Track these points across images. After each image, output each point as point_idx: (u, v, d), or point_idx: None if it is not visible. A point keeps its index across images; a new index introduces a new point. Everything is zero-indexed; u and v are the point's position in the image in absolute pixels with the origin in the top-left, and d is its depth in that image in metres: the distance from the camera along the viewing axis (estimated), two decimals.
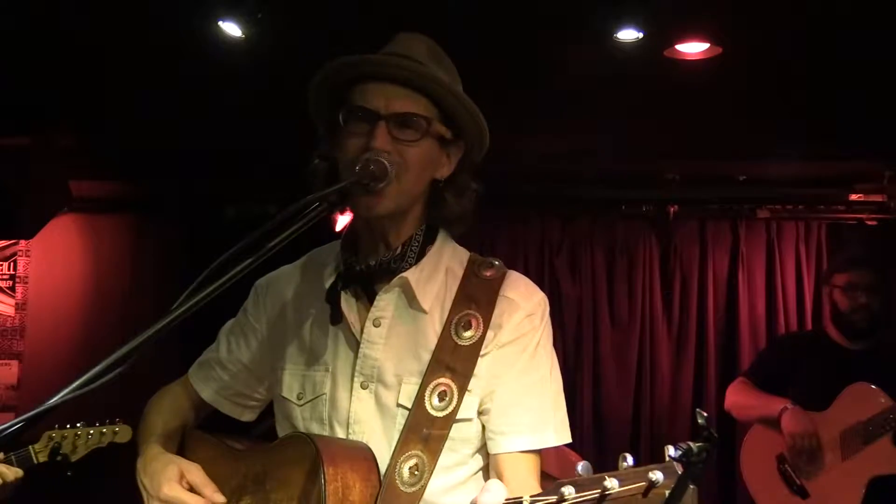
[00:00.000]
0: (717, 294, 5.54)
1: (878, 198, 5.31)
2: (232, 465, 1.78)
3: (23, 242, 5.51)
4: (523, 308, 1.71)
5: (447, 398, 1.64)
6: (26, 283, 5.53)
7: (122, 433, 3.25)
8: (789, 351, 4.25)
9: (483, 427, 1.71)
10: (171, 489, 1.70)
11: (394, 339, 1.71)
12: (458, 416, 1.65)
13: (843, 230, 5.51)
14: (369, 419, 1.69)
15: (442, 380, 1.65)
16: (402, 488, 1.61)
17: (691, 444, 1.15)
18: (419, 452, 1.63)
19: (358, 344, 1.72)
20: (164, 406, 1.94)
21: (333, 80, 1.73)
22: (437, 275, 1.74)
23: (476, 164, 1.79)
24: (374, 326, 1.71)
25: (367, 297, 1.73)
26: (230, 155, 5.04)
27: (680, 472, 1.14)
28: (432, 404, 1.65)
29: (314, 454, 1.57)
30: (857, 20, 3.35)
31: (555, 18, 3.41)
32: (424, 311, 1.71)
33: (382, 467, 1.63)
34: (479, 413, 1.69)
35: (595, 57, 3.69)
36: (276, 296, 1.85)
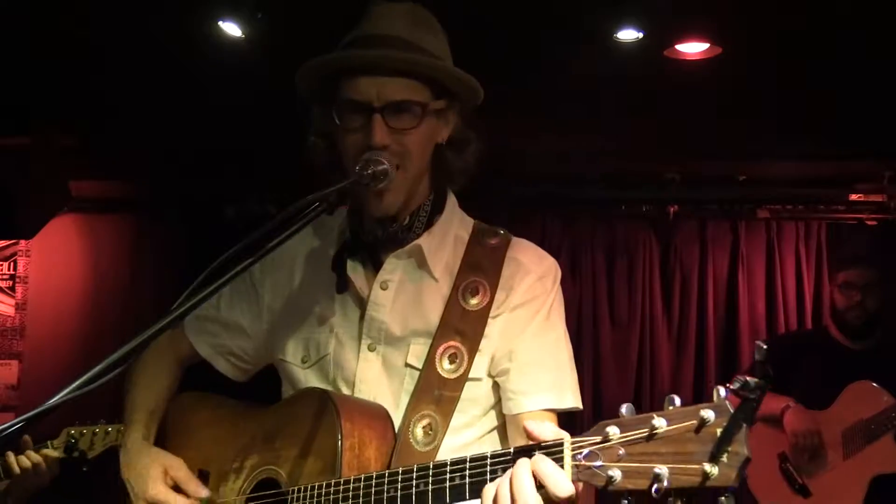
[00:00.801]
0: (717, 294, 5.54)
1: (878, 198, 5.32)
2: (239, 425, 1.78)
3: (23, 242, 5.51)
4: (534, 271, 1.73)
5: (458, 360, 1.65)
6: (26, 283, 5.53)
7: None
8: (790, 350, 4.24)
9: (494, 388, 1.71)
10: (157, 489, 1.71)
11: (400, 302, 1.72)
12: (469, 376, 1.65)
13: (843, 230, 5.51)
14: (376, 379, 1.70)
15: (452, 342, 1.66)
16: (416, 447, 1.62)
17: (748, 378, 1.12)
18: (432, 413, 1.63)
19: (365, 307, 1.72)
20: (149, 371, 1.90)
21: (321, 72, 1.71)
22: (447, 242, 1.75)
23: (473, 115, 1.77)
24: (382, 289, 1.72)
25: (373, 264, 1.74)
26: (230, 155, 5.04)
27: (732, 410, 1.12)
28: (443, 366, 1.65)
29: (330, 409, 1.56)
30: (857, 20, 3.35)
31: (555, 18, 3.41)
32: (434, 278, 1.72)
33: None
34: (494, 375, 1.70)
35: (595, 57, 3.69)
36: (282, 261, 1.83)
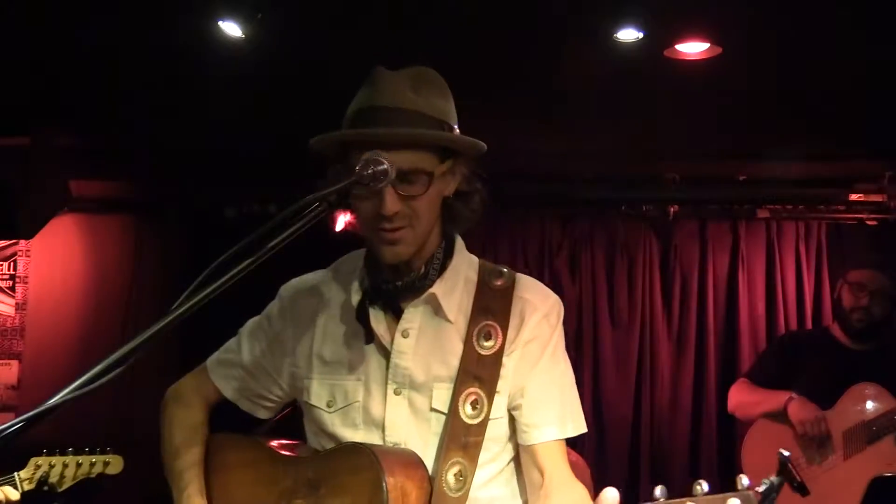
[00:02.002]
0: (717, 294, 5.54)
1: (878, 198, 5.31)
2: (280, 468, 1.85)
3: (23, 242, 5.50)
4: (541, 309, 1.86)
5: (479, 406, 1.78)
6: (26, 283, 5.53)
7: (113, 464, 3.13)
8: (791, 350, 4.23)
9: (510, 421, 1.83)
10: None
11: (422, 348, 1.82)
12: (490, 417, 1.78)
13: (844, 230, 5.51)
14: (405, 422, 1.80)
15: (472, 389, 1.78)
16: (449, 494, 1.74)
17: (773, 478, 1.34)
18: (460, 459, 1.75)
19: (388, 354, 1.82)
20: (186, 421, 1.99)
21: (333, 142, 1.79)
22: (458, 285, 1.86)
23: (477, 166, 1.86)
24: (403, 337, 1.82)
25: (393, 311, 1.84)
26: (230, 155, 5.04)
27: (756, 500, 1.27)
28: (466, 413, 1.77)
29: (373, 464, 1.67)
30: (857, 20, 3.35)
31: (555, 18, 3.40)
32: (450, 321, 1.83)
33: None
34: (510, 409, 1.82)
35: (595, 57, 3.69)
36: (303, 304, 1.93)
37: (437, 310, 1.83)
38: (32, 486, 3.00)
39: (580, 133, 4.86)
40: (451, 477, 1.74)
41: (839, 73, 3.91)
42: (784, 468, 1.32)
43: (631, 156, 5.24)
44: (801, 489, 4.30)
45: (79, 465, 3.07)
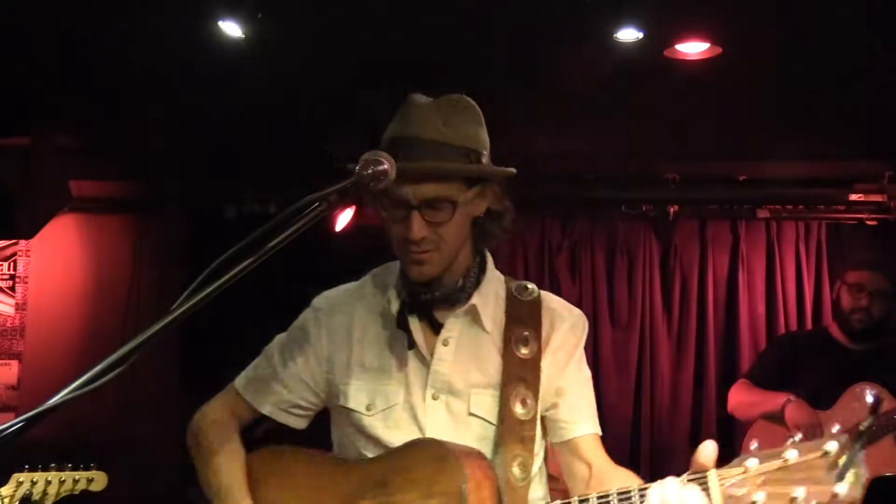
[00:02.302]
0: (717, 294, 5.54)
1: (878, 198, 5.31)
2: (338, 476, 1.93)
3: (23, 242, 5.50)
4: (568, 319, 2.01)
5: (527, 404, 1.92)
6: (26, 283, 5.53)
7: (97, 481, 3.10)
8: (790, 350, 4.23)
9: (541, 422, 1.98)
10: None
11: (460, 356, 1.95)
12: (537, 414, 1.93)
13: (844, 230, 5.51)
14: (443, 425, 1.91)
15: (519, 389, 1.92)
16: (517, 483, 1.87)
17: (870, 419, 1.51)
18: (521, 452, 1.89)
19: (426, 360, 1.94)
20: (225, 445, 2.02)
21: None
22: (491, 298, 1.99)
23: (507, 185, 1.99)
24: (444, 346, 1.94)
25: (429, 320, 1.96)
26: (230, 155, 5.04)
27: (849, 441, 1.39)
28: (518, 412, 1.91)
29: (449, 456, 1.79)
30: (857, 20, 3.35)
31: (555, 18, 3.40)
32: (486, 331, 1.96)
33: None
34: (544, 410, 1.98)
35: (595, 57, 3.69)
36: (340, 314, 2.03)
37: (475, 320, 1.96)
38: (15, 503, 2.96)
39: (580, 133, 4.86)
40: (516, 468, 1.87)
41: (839, 73, 3.91)
42: (875, 409, 1.50)
43: (631, 156, 5.24)
44: None
45: (62, 481, 3.03)
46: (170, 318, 1.34)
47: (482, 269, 2.00)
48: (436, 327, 1.95)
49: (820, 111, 4.37)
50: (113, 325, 5.41)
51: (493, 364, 1.94)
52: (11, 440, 1.22)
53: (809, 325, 5.33)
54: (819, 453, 1.40)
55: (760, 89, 4.16)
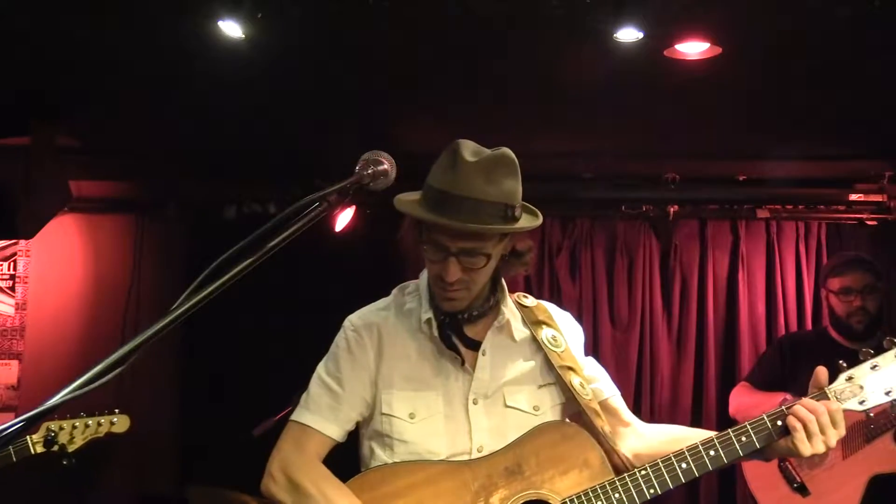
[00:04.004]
0: (717, 294, 5.54)
1: (878, 198, 5.31)
2: (460, 477, 2.07)
3: (23, 242, 5.50)
4: (571, 321, 2.40)
5: (585, 386, 2.23)
6: (26, 283, 5.53)
7: (119, 423, 3.31)
8: (790, 352, 4.24)
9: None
10: None
11: (496, 361, 2.21)
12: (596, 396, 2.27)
13: (844, 230, 5.51)
14: (485, 425, 2.13)
15: (573, 377, 2.21)
16: (610, 445, 2.14)
17: None
18: (603, 421, 2.18)
19: (467, 371, 2.18)
20: (308, 471, 2.10)
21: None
22: (510, 309, 2.27)
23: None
24: (483, 355, 2.20)
25: (460, 333, 2.20)
26: (230, 155, 5.04)
27: None
28: (582, 393, 2.19)
29: (578, 430, 2.10)
30: (857, 20, 3.35)
31: (555, 18, 3.40)
32: (514, 339, 2.25)
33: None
34: None
35: (595, 57, 3.69)
36: (376, 334, 2.21)
37: (504, 330, 2.24)
38: (43, 447, 3.15)
39: (580, 133, 4.86)
40: (607, 428, 2.17)
41: (839, 72, 3.91)
42: None
43: (631, 156, 5.23)
44: (802, 489, 4.31)
45: (87, 425, 3.22)
46: (170, 318, 1.34)
47: (502, 290, 2.26)
48: (467, 342, 2.20)
49: (820, 111, 4.36)
50: (113, 325, 5.41)
51: (521, 364, 2.22)
52: (11, 440, 1.22)
53: (809, 325, 5.34)
54: (894, 355, 2.04)
55: (760, 89, 4.16)
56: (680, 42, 3.63)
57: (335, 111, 4.44)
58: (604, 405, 2.27)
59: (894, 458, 3.75)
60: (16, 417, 1.23)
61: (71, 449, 3.19)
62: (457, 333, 2.20)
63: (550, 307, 2.37)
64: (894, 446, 3.76)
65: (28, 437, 3.13)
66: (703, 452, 1.98)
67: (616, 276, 5.60)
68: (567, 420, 2.22)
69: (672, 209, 5.48)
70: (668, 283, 5.57)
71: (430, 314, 2.19)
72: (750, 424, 1.99)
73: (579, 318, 5.41)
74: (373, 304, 2.30)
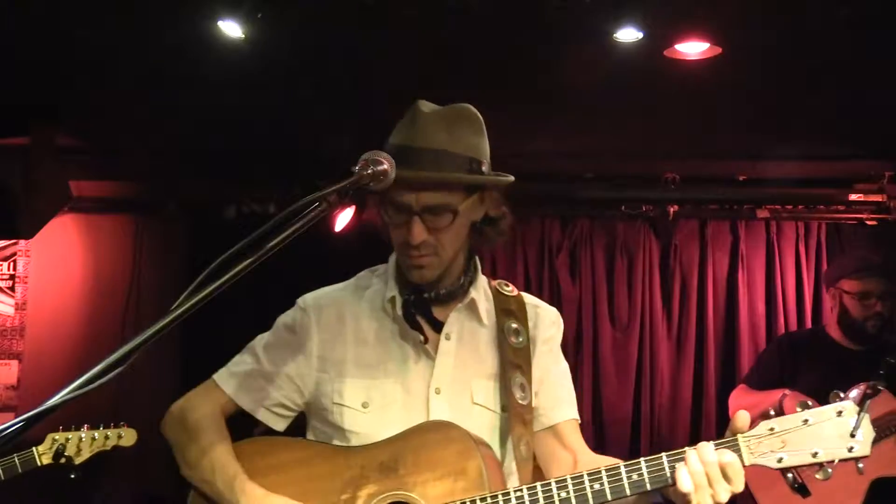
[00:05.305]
0: (717, 294, 5.54)
1: (878, 198, 5.31)
2: (337, 461, 1.93)
3: (23, 242, 5.50)
4: (548, 316, 2.13)
5: (525, 389, 2.00)
6: (26, 283, 5.53)
7: (126, 437, 3.26)
8: (788, 351, 4.23)
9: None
10: None
11: (462, 350, 2.02)
12: (532, 404, 2.01)
13: (843, 230, 5.51)
14: (446, 418, 1.93)
15: (517, 376, 2.00)
16: (524, 463, 1.94)
17: (876, 383, 1.86)
18: (524, 433, 1.96)
19: (429, 355, 1.99)
20: (200, 420, 2.01)
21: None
22: (482, 294, 2.08)
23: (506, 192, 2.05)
24: (446, 340, 2.01)
25: (427, 316, 2.00)
26: (230, 155, 5.04)
27: (857, 405, 1.73)
28: (518, 396, 1.98)
29: (463, 435, 1.86)
30: (857, 20, 3.35)
31: (555, 18, 3.40)
32: (484, 325, 2.05)
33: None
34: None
35: (595, 57, 3.69)
36: (329, 313, 2.04)
37: (472, 314, 2.05)
38: (50, 459, 3.12)
39: (580, 133, 4.86)
40: (522, 448, 1.94)
41: (839, 73, 3.91)
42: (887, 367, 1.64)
43: (631, 156, 5.23)
44: (802, 490, 4.30)
45: (94, 438, 3.19)
46: (170, 318, 1.34)
47: (475, 269, 2.08)
48: (435, 325, 2.01)
49: (820, 111, 4.36)
50: (113, 325, 5.42)
51: (491, 355, 2.03)
52: (11, 440, 1.22)
53: (809, 325, 5.33)
54: (833, 415, 1.70)
55: (760, 89, 4.16)
56: (680, 42, 3.63)
57: (335, 111, 4.44)
58: (553, 428, 2.05)
59: None
60: (15, 417, 1.22)
61: (77, 461, 3.15)
62: (422, 313, 2.00)
63: (531, 301, 2.14)
64: None
65: (34, 448, 3.10)
66: (587, 484, 1.71)
67: (616, 276, 5.60)
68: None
69: (672, 209, 5.47)
70: (668, 283, 5.57)
71: (394, 292, 2.00)
72: (646, 461, 1.71)
73: (579, 318, 5.53)
74: (331, 285, 2.12)
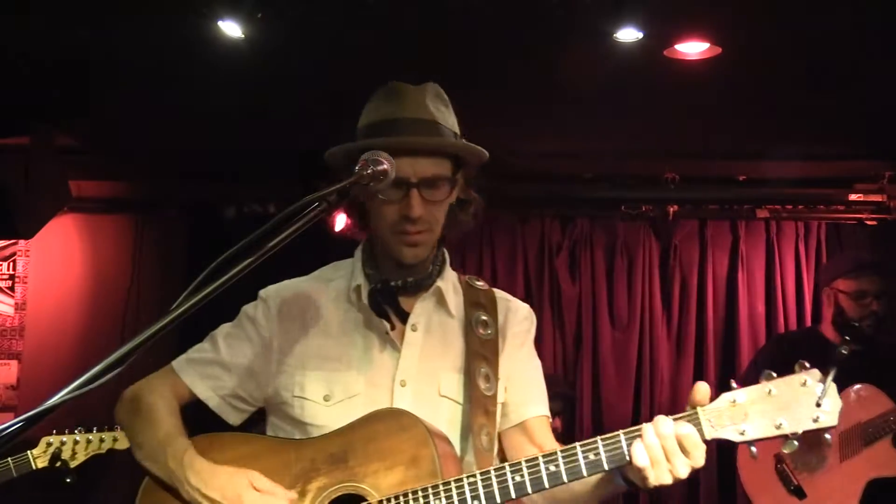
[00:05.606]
0: (717, 294, 5.54)
1: (878, 198, 5.32)
2: (286, 455, 1.87)
3: (23, 242, 5.51)
4: (520, 311, 2.09)
5: (490, 380, 1.95)
6: (26, 283, 5.53)
7: (121, 440, 3.24)
8: (784, 351, 4.22)
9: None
10: (253, 499, 1.78)
11: (429, 340, 1.97)
12: (497, 391, 1.96)
13: (843, 230, 5.51)
14: (411, 411, 1.85)
15: (482, 366, 1.95)
16: (485, 452, 1.88)
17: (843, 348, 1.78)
18: (486, 423, 1.90)
19: (394, 346, 1.94)
20: (154, 401, 1.95)
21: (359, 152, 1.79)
22: (451, 284, 2.04)
23: (476, 175, 2.00)
24: (412, 331, 1.96)
25: (394, 306, 1.95)
26: (230, 155, 5.04)
27: (822, 374, 1.63)
28: (482, 387, 1.93)
29: (417, 423, 1.79)
30: (857, 20, 3.35)
31: (555, 18, 3.40)
32: (452, 315, 2.01)
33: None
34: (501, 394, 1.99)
35: (595, 57, 3.69)
36: (291, 305, 1.99)
37: (440, 304, 2.00)
38: (46, 462, 3.12)
39: (580, 133, 4.86)
40: (483, 437, 1.88)
41: (839, 72, 3.91)
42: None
43: (631, 156, 5.23)
44: (798, 492, 4.29)
45: (89, 441, 3.18)
46: (170, 318, 1.34)
47: (444, 260, 2.04)
48: (402, 315, 1.95)
49: (820, 111, 4.36)
50: (113, 324, 5.42)
51: (459, 346, 1.98)
52: (11, 440, 1.22)
53: (809, 325, 5.33)
54: (797, 385, 1.59)
55: (760, 89, 4.16)
56: (680, 42, 3.63)
57: (335, 111, 4.44)
58: (522, 424, 1.99)
59: (893, 462, 3.74)
60: (15, 417, 1.22)
61: (73, 465, 3.15)
62: (389, 302, 1.94)
63: (502, 296, 2.09)
64: (893, 450, 3.75)
65: (29, 451, 3.09)
66: (542, 466, 1.64)
67: (616, 276, 5.60)
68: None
69: (672, 209, 5.48)
70: (668, 283, 5.57)
71: (360, 281, 1.95)
72: (602, 440, 1.64)
73: (579, 318, 5.54)
74: (294, 278, 2.06)
